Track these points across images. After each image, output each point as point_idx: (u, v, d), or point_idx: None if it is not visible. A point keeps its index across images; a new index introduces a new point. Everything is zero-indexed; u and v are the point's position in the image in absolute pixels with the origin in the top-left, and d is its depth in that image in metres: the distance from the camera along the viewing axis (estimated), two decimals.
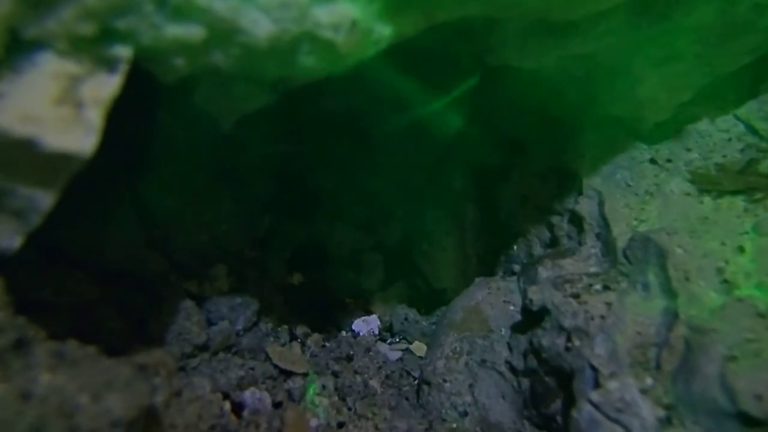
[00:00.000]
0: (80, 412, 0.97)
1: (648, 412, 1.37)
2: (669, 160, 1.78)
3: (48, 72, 0.96)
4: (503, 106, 2.05)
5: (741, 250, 1.51)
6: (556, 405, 1.63)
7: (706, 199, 1.66)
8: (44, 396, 0.96)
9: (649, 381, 1.41)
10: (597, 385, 1.45)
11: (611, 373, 1.45)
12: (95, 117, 0.98)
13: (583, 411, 1.45)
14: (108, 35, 1.00)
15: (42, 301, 1.43)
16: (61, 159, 0.96)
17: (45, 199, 1.01)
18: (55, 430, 0.94)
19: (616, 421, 1.39)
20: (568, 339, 1.57)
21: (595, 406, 1.43)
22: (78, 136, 0.95)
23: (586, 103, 1.88)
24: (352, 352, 2.02)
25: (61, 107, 0.95)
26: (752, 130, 1.71)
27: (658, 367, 1.43)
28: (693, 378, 1.34)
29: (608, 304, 1.56)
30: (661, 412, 1.36)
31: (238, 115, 1.74)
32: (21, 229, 1.03)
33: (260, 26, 1.11)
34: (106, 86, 1.01)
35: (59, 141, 0.94)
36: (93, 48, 1.00)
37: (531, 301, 1.72)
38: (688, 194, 1.69)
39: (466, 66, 1.92)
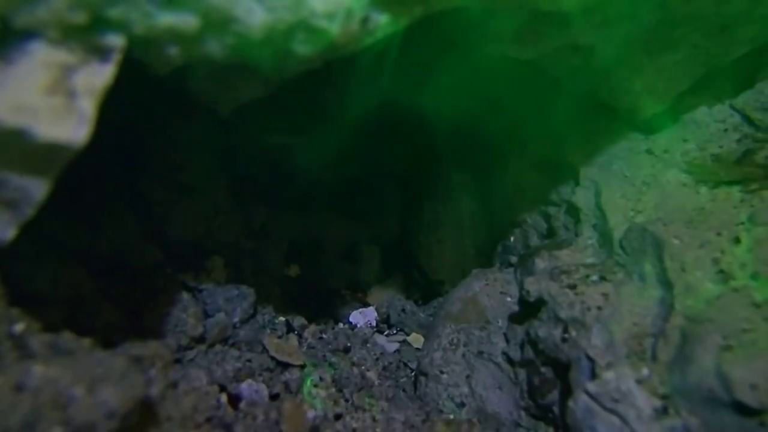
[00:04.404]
0: (74, 404, 0.97)
1: (644, 402, 1.37)
2: (666, 151, 1.77)
3: (39, 61, 0.95)
4: (499, 96, 2.05)
5: (737, 240, 1.51)
6: (553, 395, 1.63)
7: (703, 189, 1.66)
8: (38, 388, 0.96)
9: (645, 371, 1.41)
10: (593, 375, 1.46)
11: (608, 364, 1.45)
12: (88, 107, 0.97)
13: (580, 401, 1.45)
14: (100, 24, 0.99)
15: (37, 293, 1.43)
16: (53, 149, 0.95)
17: (38, 190, 1.01)
18: (49, 422, 0.93)
19: (613, 411, 1.40)
20: (565, 330, 1.57)
21: (592, 396, 1.43)
22: (70, 125, 0.95)
23: (583, 93, 1.87)
24: (349, 344, 2.02)
25: (53, 97, 0.94)
26: (748, 121, 1.70)
27: (654, 357, 1.43)
28: (689, 368, 1.34)
29: (605, 295, 1.56)
30: (657, 402, 1.36)
31: (233, 105, 1.73)
32: (14, 220, 1.02)
33: (254, 15, 1.10)
34: (98, 76, 1.00)
35: (51, 131, 0.93)
36: (85, 37, 0.98)
37: (528, 292, 1.72)
38: (685, 185, 1.69)
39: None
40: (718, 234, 1.54)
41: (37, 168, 0.98)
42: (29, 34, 0.95)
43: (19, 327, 1.08)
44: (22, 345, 1.05)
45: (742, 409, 1.25)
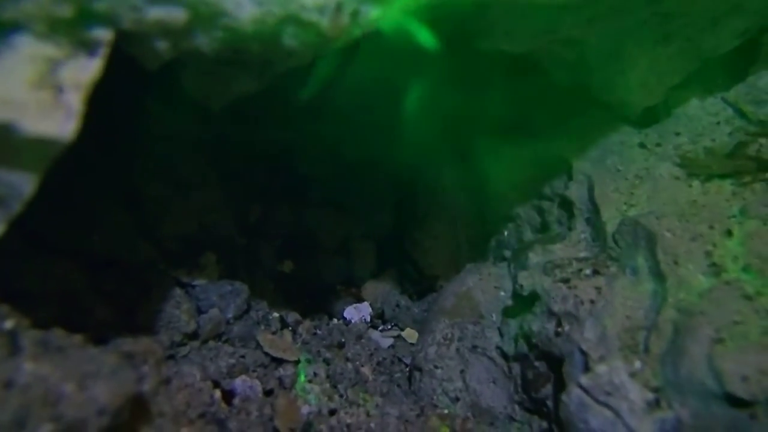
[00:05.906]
0: (65, 401, 0.96)
1: (636, 394, 1.38)
2: (658, 144, 1.78)
3: (26, 55, 0.94)
4: (492, 90, 2.04)
5: (729, 233, 1.51)
6: (547, 389, 1.64)
7: (695, 182, 1.66)
8: (28, 385, 0.95)
9: (637, 364, 1.42)
10: (586, 369, 1.46)
11: (600, 357, 1.45)
12: (75, 101, 0.96)
13: (573, 395, 1.46)
14: (87, 17, 0.98)
15: (28, 290, 1.42)
16: (40, 144, 0.94)
17: (26, 185, 1.00)
18: (39, 418, 0.93)
19: (605, 405, 1.40)
20: (558, 324, 1.58)
21: (585, 389, 1.44)
22: (57, 120, 0.94)
23: (576, 87, 1.87)
24: (343, 340, 2.02)
25: (40, 91, 0.93)
26: (741, 114, 1.70)
27: (646, 350, 1.43)
28: (681, 360, 1.35)
29: (598, 289, 1.57)
30: (650, 395, 1.37)
31: (226, 100, 1.72)
32: (2, 215, 1.02)
33: (244, 8, 1.09)
34: (86, 70, 0.99)
35: (38, 125, 0.92)
36: (72, 30, 0.98)
37: (521, 286, 1.73)
38: (677, 178, 1.69)
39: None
40: (711, 227, 1.54)
41: (25, 163, 0.97)
42: (15, 28, 0.94)
43: (9, 323, 1.08)
44: (12, 341, 1.05)
45: (733, 400, 1.26)
